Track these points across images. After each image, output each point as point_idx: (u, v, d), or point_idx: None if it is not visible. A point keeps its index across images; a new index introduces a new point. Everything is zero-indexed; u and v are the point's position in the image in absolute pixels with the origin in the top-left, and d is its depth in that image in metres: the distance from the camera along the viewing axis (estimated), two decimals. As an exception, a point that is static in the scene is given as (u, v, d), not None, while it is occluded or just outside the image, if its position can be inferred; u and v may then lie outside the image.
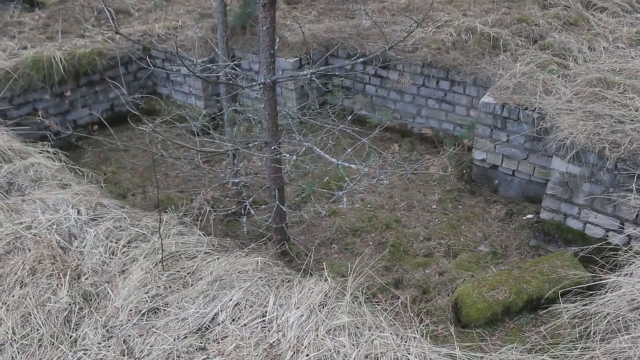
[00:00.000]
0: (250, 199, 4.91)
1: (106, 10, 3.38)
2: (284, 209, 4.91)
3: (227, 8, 5.21)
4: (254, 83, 4.23)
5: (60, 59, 6.74)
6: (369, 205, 6.17)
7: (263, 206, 5.02)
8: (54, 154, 5.06)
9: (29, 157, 4.88)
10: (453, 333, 3.99)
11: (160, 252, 3.52)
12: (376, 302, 5.07)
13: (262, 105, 4.55)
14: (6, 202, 4.29)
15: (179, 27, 7.98)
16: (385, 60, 6.63)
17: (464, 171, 6.48)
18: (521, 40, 6.83)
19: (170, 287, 3.34)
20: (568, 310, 4.21)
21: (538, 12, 7.67)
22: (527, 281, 4.73)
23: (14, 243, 3.81)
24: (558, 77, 5.93)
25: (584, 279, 4.67)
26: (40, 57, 6.69)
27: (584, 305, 3.78)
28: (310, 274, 3.60)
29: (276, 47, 4.67)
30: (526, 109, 5.55)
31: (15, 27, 7.88)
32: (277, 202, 4.87)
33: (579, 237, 5.18)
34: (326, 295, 3.14)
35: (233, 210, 4.91)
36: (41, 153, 5.03)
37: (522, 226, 5.70)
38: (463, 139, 5.43)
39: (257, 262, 3.49)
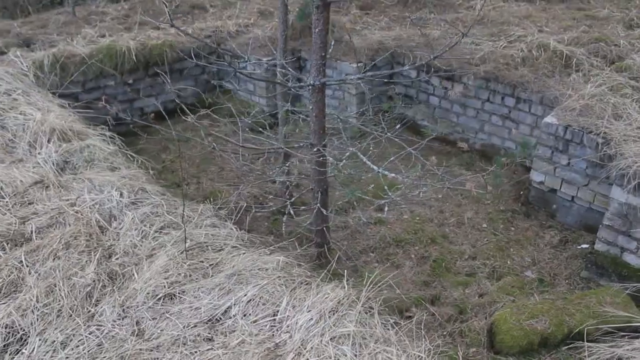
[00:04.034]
0: (292, 199, 4.91)
1: (165, 7, 3.48)
2: (325, 212, 4.88)
3: (289, 8, 5.25)
4: (302, 84, 4.23)
5: (132, 49, 7.04)
6: (417, 218, 6.02)
7: (302, 207, 5.00)
8: (111, 138, 5.27)
9: (86, 139, 5.11)
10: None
11: (181, 242, 3.58)
12: (408, 317, 4.97)
13: (310, 107, 4.55)
14: (59, 179, 4.51)
15: (250, 25, 8.14)
16: (435, 69, 6.47)
17: (521, 192, 6.20)
18: (597, 61, 6.47)
19: (190, 276, 3.39)
20: (614, 352, 3.92)
21: (621, 32, 7.24)
22: (571, 314, 4.45)
23: (57, 217, 3.99)
24: (631, 101, 5.57)
25: (634, 319, 4.35)
26: (114, 46, 7.02)
27: (633, 348, 3.49)
28: (331, 279, 3.54)
29: (329, 50, 4.66)
30: (590, 132, 5.24)
31: (98, 17, 8.31)
32: (318, 205, 4.85)
33: (635, 274, 4.83)
34: (339, 302, 3.07)
35: (273, 208, 4.92)
36: (99, 136, 5.25)
37: (575, 255, 5.38)
38: (512, 157, 5.17)
39: (279, 261, 3.47)
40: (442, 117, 7.27)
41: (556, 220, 5.89)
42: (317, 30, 4.23)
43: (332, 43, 4.91)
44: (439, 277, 5.24)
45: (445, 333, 4.70)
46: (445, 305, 4.95)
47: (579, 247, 5.50)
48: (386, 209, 4.99)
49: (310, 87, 4.41)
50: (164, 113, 5.15)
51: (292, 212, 4.65)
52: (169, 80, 7.55)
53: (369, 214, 5.78)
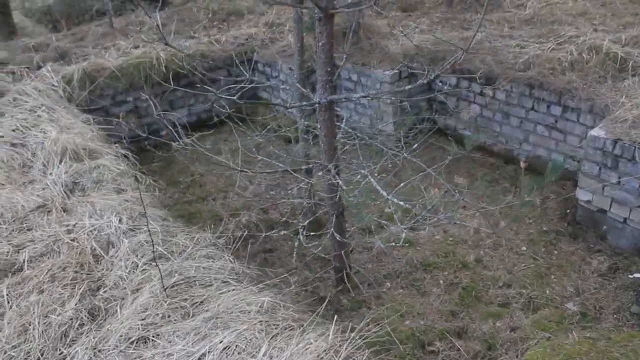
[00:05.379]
0: (306, 222, 4.62)
1: (152, 21, 3.27)
2: (338, 238, 4.55)
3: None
4: (304, 103, 3.92)
5: (162, 60, 6.94)
6: (450, 239, 5.58)
7: (312, 233, 4.70)
8: (125, 156, 5.15)
9: (99, 157, 5.01)
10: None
11: (168, 277, 3.36)
12: (431, 352, 4.56)
13: (319, 126, 4.24)
14: (64, 202, 4.42)
15: (286, 32, 7.88)
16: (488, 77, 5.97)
17: (568, 210, 5.63)
18: (658, 63, 5.77)
19: (168, 317, 3.16)
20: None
21: (692, 29, 6.46)
22: (614, 358, 3.91)
23: (51, 246, 3.87)
24: (695, 111, 4.90)
25: (688, 368, 3.77)
26: (144, 57, 6.94)
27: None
28: (333, 311, 3.21)
29: (342, 63, 4.32)
30: (643, 147, 4.64)
31: (135, 27, 8.30)
32: (332, 229, 4.53)
33: (693, 312, 4.22)
34: (318, 357, 2.75)
35: (284, 232, 4.64)
36: (113, 155, 5.14)
37: (626, 286, 4.79)
38: (547, 182, 4.64)
39: (263, 303, 3.18)
40: (485, 126, 6.75)
41: (607, 243, 5.28)
42: (320, 44, 3.91)
43: (345, 57, 4.55)
44: (467, 307, 4.80)
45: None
46: (472, 339, 4.51)
47: (630, 276, 4.89)
48: (403, 235, 4.59)
49: (317, 105, 4.10)
50: (180, 129, 4.97)
51: (301, 238, 4.34)
52: (201, 91, 7.39)
53: (397, 236, 5.38)
